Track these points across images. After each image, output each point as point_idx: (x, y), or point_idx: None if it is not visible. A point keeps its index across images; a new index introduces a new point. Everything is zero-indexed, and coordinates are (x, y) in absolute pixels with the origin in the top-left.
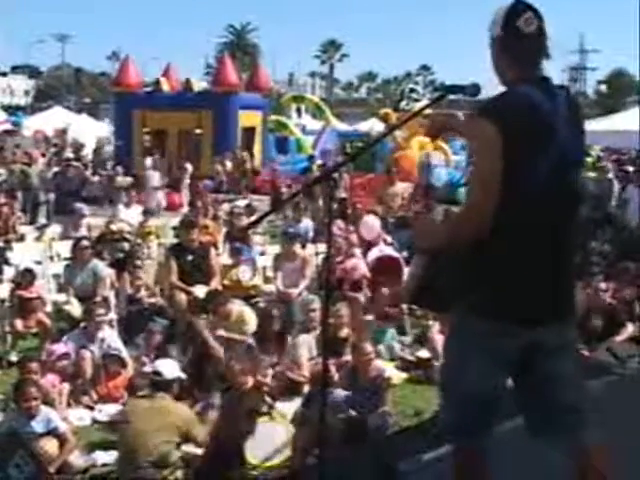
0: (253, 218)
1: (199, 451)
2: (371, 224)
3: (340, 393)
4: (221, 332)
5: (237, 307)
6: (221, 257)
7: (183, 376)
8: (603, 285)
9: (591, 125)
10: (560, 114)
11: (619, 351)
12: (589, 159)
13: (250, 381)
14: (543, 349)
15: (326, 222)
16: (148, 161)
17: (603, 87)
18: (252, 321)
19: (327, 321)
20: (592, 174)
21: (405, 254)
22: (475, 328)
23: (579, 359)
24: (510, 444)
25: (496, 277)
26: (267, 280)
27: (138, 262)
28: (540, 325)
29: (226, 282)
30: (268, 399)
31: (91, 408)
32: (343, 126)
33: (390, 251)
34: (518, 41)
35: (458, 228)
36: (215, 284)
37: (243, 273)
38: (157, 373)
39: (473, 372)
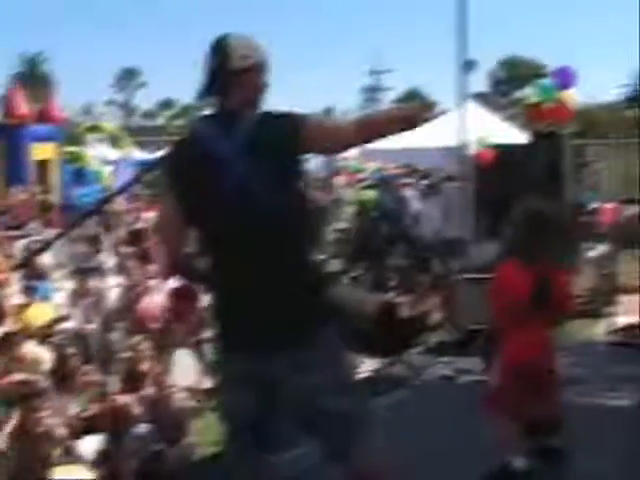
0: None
1: None
2: None
3: (142, 427)
4: (17, 376)
5: (31, 349)
6: (14, 297)
7: None
8: (399, 299)
9: (389, 143)
10: (235, 150)
11: (415, 363)
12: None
13: (44, 424)
14: (278, 374)
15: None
16: None
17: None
18: (47, 361)
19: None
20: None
21: None
22: (219, 357)
23: (342, 377)
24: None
25: (215, 309)
26: (64, 318)
27: None
28: (261, 352)
29: (20, 323)
30: (67, 441)
31: None
32: (142, 154)
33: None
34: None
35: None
36: (8, 326)
37: (38, 312)
38: None
39: (230, 401)
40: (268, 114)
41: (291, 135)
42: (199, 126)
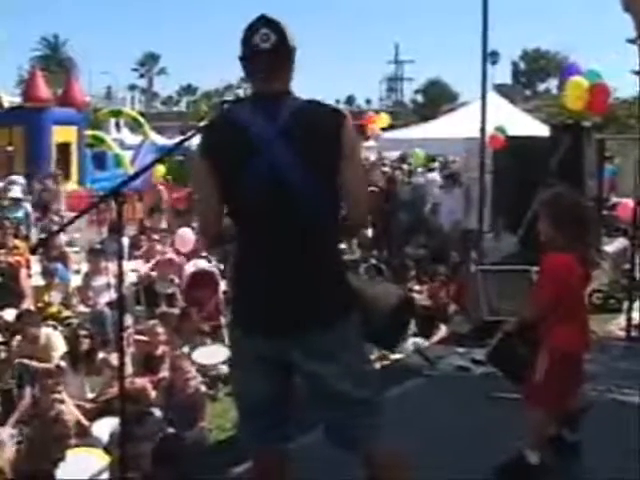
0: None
1: None
2: (186, 237)
3: (157, 411)
4: (28, 361)
5: (45, 331)
6: (33, 278)
7: None
8: (417, 288)
9: (409, 133)
10: (275, 133)
11: (429, 353)
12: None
13: (59, 406)
14: (296, 358)
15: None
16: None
17: (419, 97)
18: (60, 345)
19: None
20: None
21: (222, 267)
22: (236, 338)
23: (359, 365)
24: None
25: (237, 290)
26: (81, 300)
27: None
28: (281, 335)
29: (39, 304)
30: (83, 421)
31: None
32: (162, 140)
33: (204, 265)
34: (253, 58)
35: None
36: (26, 306)
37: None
38: None
39: (245, 381)
40: (312, 102)
41: (332, 128)
42: (239, 107)
